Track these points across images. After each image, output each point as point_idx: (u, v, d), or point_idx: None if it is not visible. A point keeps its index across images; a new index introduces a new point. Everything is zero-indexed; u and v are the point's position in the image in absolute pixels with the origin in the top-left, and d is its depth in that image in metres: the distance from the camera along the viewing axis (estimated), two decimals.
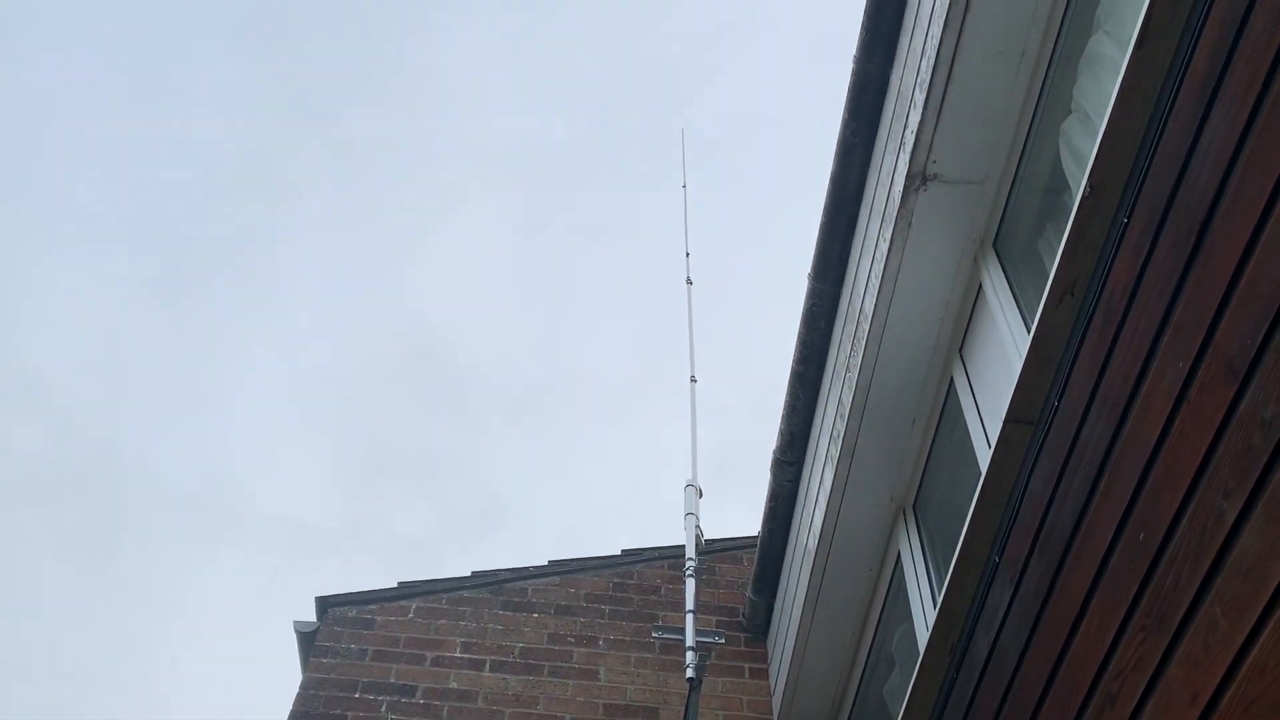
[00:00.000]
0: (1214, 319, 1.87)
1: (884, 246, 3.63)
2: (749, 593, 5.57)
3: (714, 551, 6.12)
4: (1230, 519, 1.76)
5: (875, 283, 3.75)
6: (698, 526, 5.61)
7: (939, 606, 3.17)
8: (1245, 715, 1.68)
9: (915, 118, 3.38)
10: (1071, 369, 2.47)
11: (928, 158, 3.34)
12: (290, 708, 5.03)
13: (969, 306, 3.68)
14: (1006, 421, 2.81)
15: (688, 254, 7.63)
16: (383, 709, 5.02)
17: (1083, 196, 2.46)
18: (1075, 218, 2.48)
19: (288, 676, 5.21)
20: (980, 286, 3.57)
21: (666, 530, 6.16)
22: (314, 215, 21.25)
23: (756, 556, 5.41)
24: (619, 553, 6.11)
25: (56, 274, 19.57)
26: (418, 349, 22.05)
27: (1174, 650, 1.91)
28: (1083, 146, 3.00)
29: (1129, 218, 2.25)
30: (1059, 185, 3.33)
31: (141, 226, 20.20)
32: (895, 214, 3.49)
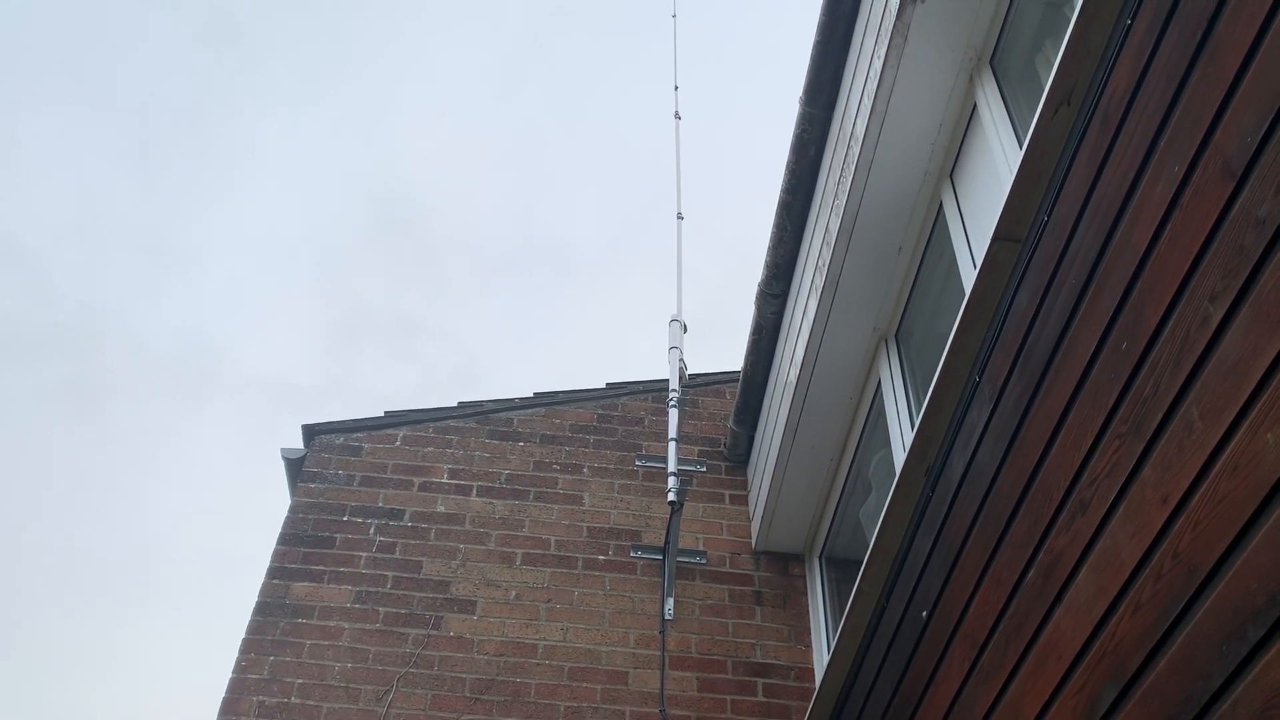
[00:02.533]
0: (1215, 118, 1.81)
1: (878, 64, 3.51)
2: (730, 423, 5.65)
3: (697, 385, 6.17)
4: (1215, 322, 1.75)
5: (868, 104, 3.65)
6: (681, 360, 5.64)
7: (917, 427, 3.20)
8: (1215, 511, 1.71)
9: None
10: (1064, 182, 2.42)
11: None
12: (279, 530, 5.14)
13: (962, 128, 3.59)
14: (994, 240, 2.77)
15: (676, 88, 7.42)
16: (371, 531, 5.13)
17: None
18: (1076, 22, 2.38)
19: (276, 516, 5.30)
20: (975, 106, 3.47)
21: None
22: (284, 76, 20.66)
23: (739, 388, 5.45)
24: (604, 386, 6.16)
25: (29, 138, 19.05)
26: (392, 212, 21.76)
27: (1149, 454, 1.93)
28: None
29: (1132, 19, 2.16)
30: None
31: (111, 88, 19.60)
32: (891, 29, 3.36)
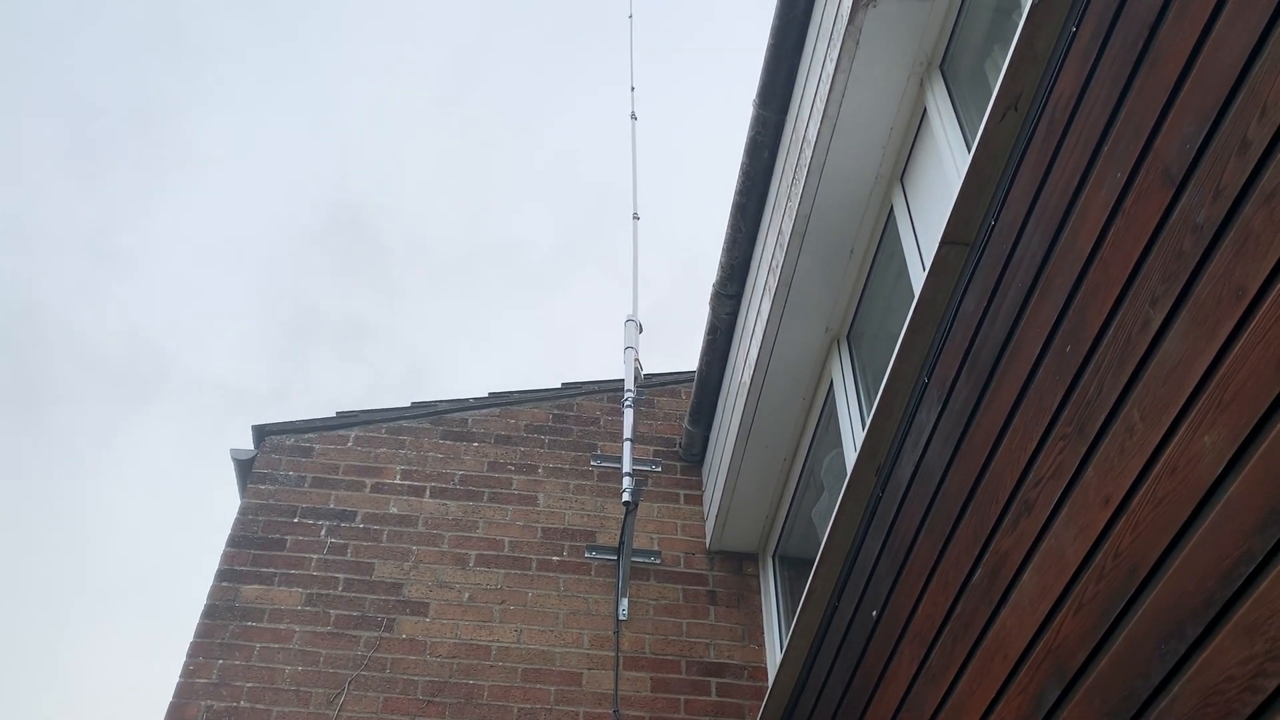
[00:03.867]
0: (1155, 125, 1.85)
1: (830, 68, 3.54)
2: (686, 423, 5.66)
3: (653, 385, 6.18)
4: (1156, 325, 1.78)
5: (820, 107, 3.67)
6: (637, 360, 5.63)
7: (867, 427, 3.23)
8: (1154, 512, 1.74)
9: None
10: (1011, 187, 2.45)
11: None
12: (229, 532, 5.06)
13: (913, 132, 3.62)
14: (942, 243, 2.79)
15: (632, 88, 7.42)
16: (322, 533, 5.08)
17: (1033, 5, 2.38)
18: (1023, 28, 2.42)
19: (223, 520, 5.23)
20: (925, 110, 3.51)
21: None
22: (230, 78, 20.41)
23: (694, 388, 5.46)
24: (559, 385, 6.14)
25: None
26: (341, 214, 21.58)
27: (1091, 456, 1.96)
28: None
29: (1078, 26, 2.19)
30: (1008, 4, 3.24)
31: (51, 90, 19.26)
32: (843, 32, 3.38)
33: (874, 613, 3.04)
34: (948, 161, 3.26)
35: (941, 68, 3.46)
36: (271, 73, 21.47)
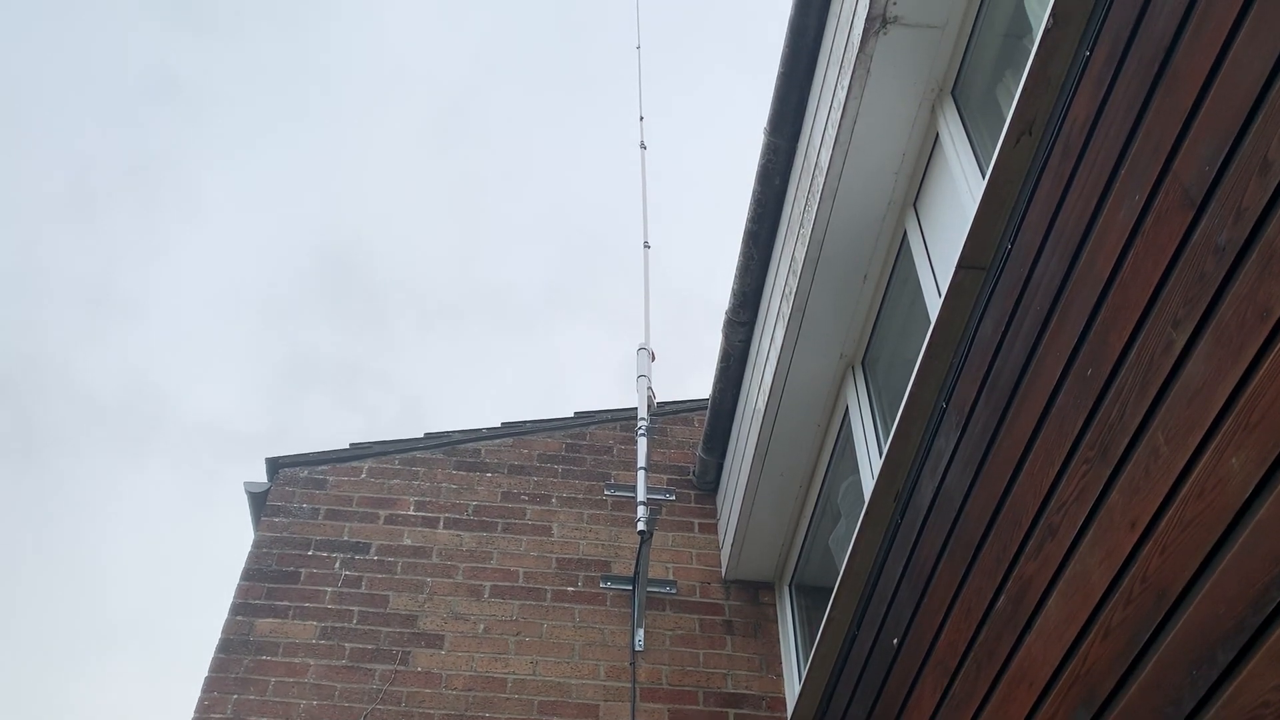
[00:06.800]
0: (1173, 147, 1.84)
1: (841, 95, 3.55)
2: (699, 451, 5.64)
3: (666, 414, 6.16)
4: (1178, 348, 1.77)
5: (832, 134, 3.68)
6: (650, 388, 5.62)
7: (885, 454, 3.21)
8: (1183, 535, 1.72)
9: None
10: (1026, 211, 2.45)
11: None
12: (243, 565, 5.05)
13: (925, 157, 3.63)
14: (958, 268, 2.79)
15: (641, 118, 7.46)
16: (336, 565, 5.06)
17: (1045, 30, 2.39)
18: (1036, 53, 2.42)
19: (224, 561, 5.23)
20: (937, 136, 3.51)
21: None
22: (226, 129, 20.71)
23: (707, 416, 5.45)
24: (572, 415, 6.13)
25: None
26: (337, 260, 21.74)
27: (1116, 479, 1.95)
28: None
29: (1091, 50, 2.20)
30: (1020, 30, 3.25)
31: (50, 143, 19.59)
32: (854, 59, 3.40)
33: (895, 641, 3.01)
34: (961, 186, 3.26)
35: (953, 93, 3.47)
36: (265, 121, 21.74)
